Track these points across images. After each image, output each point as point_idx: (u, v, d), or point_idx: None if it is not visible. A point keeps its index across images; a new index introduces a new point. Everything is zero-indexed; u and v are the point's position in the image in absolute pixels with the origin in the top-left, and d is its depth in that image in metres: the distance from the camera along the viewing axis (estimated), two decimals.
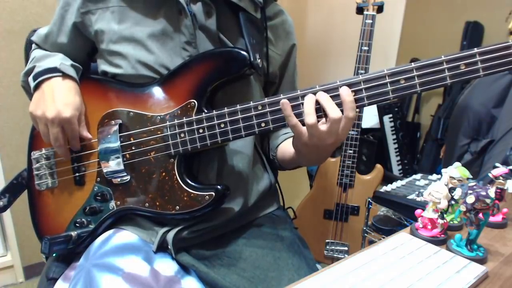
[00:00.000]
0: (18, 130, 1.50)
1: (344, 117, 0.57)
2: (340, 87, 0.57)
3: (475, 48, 0.53)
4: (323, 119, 0.58)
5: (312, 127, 0.58)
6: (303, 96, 0.59)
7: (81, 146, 0.70)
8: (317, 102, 0.58)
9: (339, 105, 0.57)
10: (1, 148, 1.49)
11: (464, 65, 0.53)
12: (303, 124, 0.59)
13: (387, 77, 0.56)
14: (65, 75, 0.69)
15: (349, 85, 0.57)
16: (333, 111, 0.57)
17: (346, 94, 0.57)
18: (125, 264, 0.60)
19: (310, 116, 0.57)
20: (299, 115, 0.59)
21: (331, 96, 0.58)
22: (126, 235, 0.67)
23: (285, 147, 0.80)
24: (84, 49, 0.78)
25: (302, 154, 0.68)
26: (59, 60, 0.71)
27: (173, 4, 0.68)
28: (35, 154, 0.73)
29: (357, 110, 0.60)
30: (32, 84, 0.69)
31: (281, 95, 0.60)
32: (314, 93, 0.59)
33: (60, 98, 0.66)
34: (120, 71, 0.70)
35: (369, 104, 0.58)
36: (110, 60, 0.71)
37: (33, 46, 0.81)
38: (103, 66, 0.73)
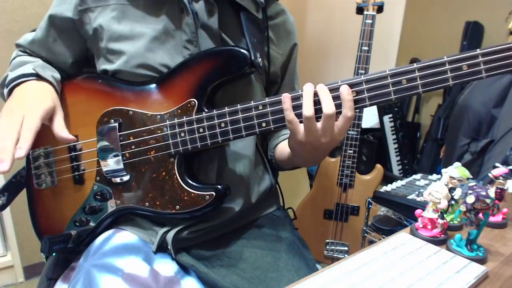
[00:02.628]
0: None
1: (342, 116, 0.57)
2: (341, 86, 0.57)
3: (478, 49, 0.53)
4: (319, 115, 0.58)
5: (309, 120, 0.57)
6: None
7: (81, 145, 0.70)
8: (316, 95, 0.58)
9: (339, 105, 0.57)
10: None
11: (466, 66, 0.53)
12: (301, 121, 0.59)
13: (389, 78, 0.56)
14: (39, 78, 0.68)
15: (351, 85, 0.57)
16: (326, 106, 0.56)
17: (346, 93, 0.56)
18: (124, 265, 0.60)
19: (308, 108, 0.57)
20: (298, 114, 0.59)
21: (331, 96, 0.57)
22: (126, 236, 0.67)
23: (283, 147, 0.80)
24: (73, 48, 0.75)
25: (296, 153, 0.68)
26: (32, 65, 0.69)
27: (175, 2, 0.67)
28: (34, 152, 0.73)
29: (357, 110, 0.60)
30: (5, 92, 0.68)
31: (282, 95, 0.60)
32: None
33: (29, 101, 0.64)
34: (120, 69, 0.69)
35: (371, 104, 0.58)
36: (110, 58, 0.70)
37: (14, 53, 0.79)
38: (102, 65, 0.72)
